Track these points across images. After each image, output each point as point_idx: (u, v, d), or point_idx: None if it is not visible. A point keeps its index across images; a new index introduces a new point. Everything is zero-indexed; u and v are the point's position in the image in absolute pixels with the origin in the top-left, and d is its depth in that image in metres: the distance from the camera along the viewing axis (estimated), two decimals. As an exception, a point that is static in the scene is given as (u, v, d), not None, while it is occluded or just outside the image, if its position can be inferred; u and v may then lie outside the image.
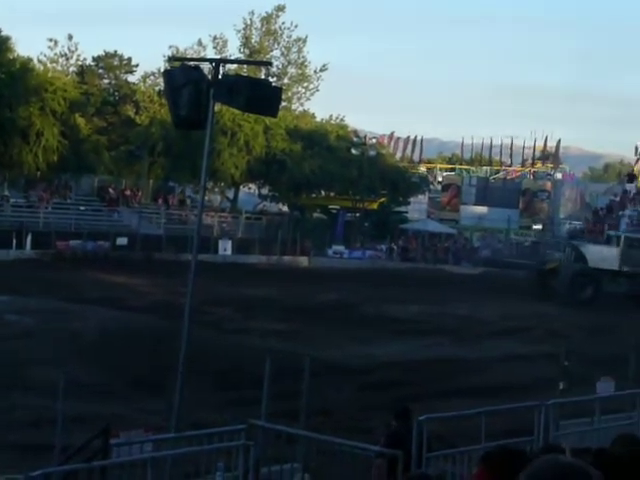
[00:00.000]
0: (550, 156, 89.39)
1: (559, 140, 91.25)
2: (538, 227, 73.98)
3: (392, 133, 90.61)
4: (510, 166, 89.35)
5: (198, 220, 14.91)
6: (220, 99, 12.75)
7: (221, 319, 33.09)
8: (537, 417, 13.65)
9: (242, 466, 10.86)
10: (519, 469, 2.70)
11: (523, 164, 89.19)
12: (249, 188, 74.02)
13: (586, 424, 15.57)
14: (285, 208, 72.59)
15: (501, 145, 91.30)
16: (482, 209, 75.71)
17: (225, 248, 56.40)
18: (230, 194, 69.37)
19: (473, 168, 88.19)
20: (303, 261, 57.92)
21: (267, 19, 66.91)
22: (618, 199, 68.97)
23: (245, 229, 62.52)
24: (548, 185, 78.71)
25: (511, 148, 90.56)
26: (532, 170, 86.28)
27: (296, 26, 67.35)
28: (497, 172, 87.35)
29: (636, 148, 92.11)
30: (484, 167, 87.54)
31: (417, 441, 11.09)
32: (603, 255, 48.90)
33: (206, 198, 56.04)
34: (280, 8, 67.09)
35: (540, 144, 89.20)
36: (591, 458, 4.02)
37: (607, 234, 52.63)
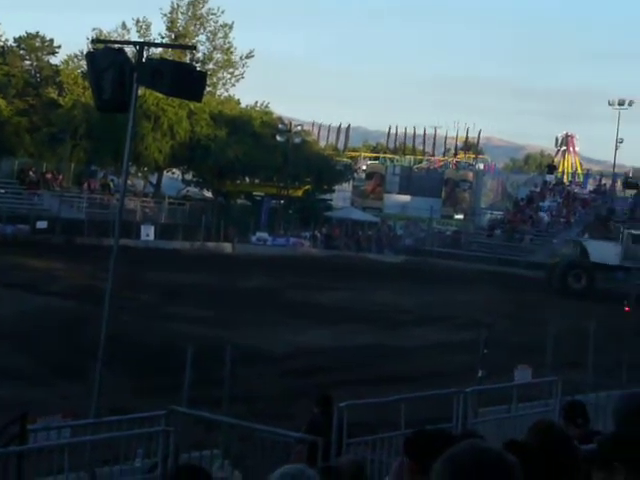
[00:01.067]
0: (472, 147, 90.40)
1: (480, 131, 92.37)
2: (460, 217, 74.72)
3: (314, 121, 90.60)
4: (433, 156, 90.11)
5: (120, 204, 14.74)
6: (144, 83, 12.61)
7: (143, 305, 32.84)
8: (456, 404, 13.80)
9: (162, 452, 10.79)
10: (442, 451, 2.72)
11: (446, 154, 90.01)
12: (173, 173, 73.51)
13: (504, 411, 15.79)
14: (209, 194, 72.26)
15: (425, 135, 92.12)
16: (405, 198, 76.23)
17: (148, 233, 55.92)
18: (153, 179, 68.82)
19: (397, 157, 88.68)
20: (227, 247, 57.73)
21: (194, 3, 66.37)
22: (538, 190, 70.02)
23: (168, 214, 62.08)
24: (470, 175, 79.52)
25: (434, 138, 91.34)
26: (454, 160, 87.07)
27: (223, 12, 66.97)
28: (420, 162, 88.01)
29: (556, 140, 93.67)
30: (408, 156, 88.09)
31: (337, 428, 11.13)
32: (604, 250, 49.85)
33: (129, 182, 55.70)
34: (206, -7, 66.65)
35: (463, 135, 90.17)
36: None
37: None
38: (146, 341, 25.39)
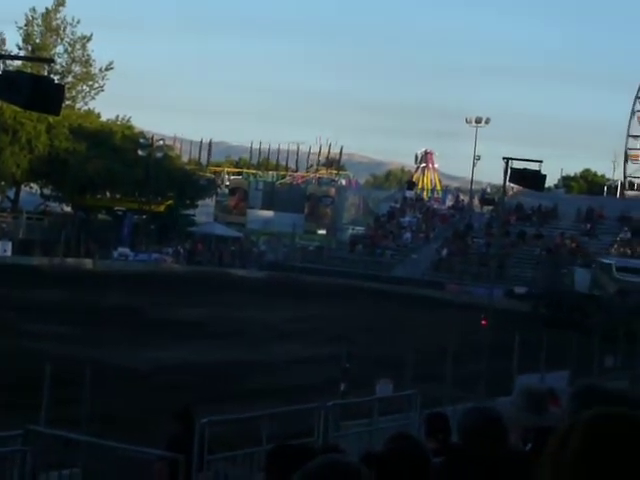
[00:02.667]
0: (334, 162, 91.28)
1: (342, 147, 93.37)
2: (322, 232, 75.30)
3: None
4: (296, 172, 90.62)
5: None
6: (0, 96, 12.34)
7: (0, 322, 31.98)
8: (317, 418, 13.89)
9: (18, 473, 10.54)
10: (302, 466, 2.75)
11: (308, 170, 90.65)
12: (31, 188, 71.89)
13: (365, 425, 15.97)
14: (69, 209, 70.93)
15: (288, 150, 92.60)
16: (268, 213, 76.46)
17: (5, 249, 54.59)
18: (11, 193, 67.14)
19: (260, 173, 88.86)
20: (87, 263, 56.76)
21: (48, 15, 65.06)
22: (399, 205, 71.18)
23: (26, 230, 60.67)
24: (332, 191, 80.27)
25: (297, 154, 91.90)
26: (317, 176, 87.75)
27: (78, 22, 65.79)
28: (283, 177, 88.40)
29: (416, 156, 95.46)
30: (271, 172, 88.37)
31: (199, 444, 11.07)
32: (582, 279, 50.08)
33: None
34: (60, 3, 65.35)
35: (325, 151, 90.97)
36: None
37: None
38: (2, 359, 24.74)
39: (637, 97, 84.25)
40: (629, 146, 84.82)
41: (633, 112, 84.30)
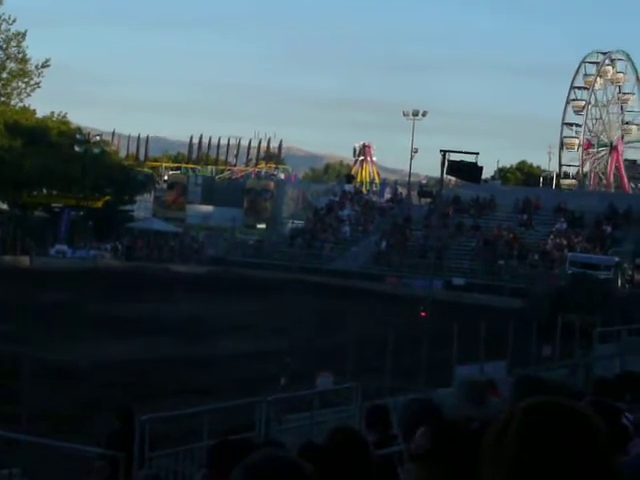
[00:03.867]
0: (273, 156, 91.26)
1: (281, 141, 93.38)
2: (262, 226, 75.24)
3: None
4: (235, 166, 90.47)
5: None
6: None
7: None
8: (258, 413, 13.92)
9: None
10: (241, 459, 2.77)
11: (247, 164, 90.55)
12: (-35, 185, 70.85)
13: (306, 418, 16.03)
14: (5, 206, 70.00)
15: (228, 145, 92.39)
16: (208, 208, 76.19)
17: (-61, 247, 53.74)
18: (-55, 191, 66.13)
19: (199, 167, 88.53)
20: (24, 261, 56.09)
21: (-19, 12, 64.12)
22: (337, 199, 71.34)
23: (-38, 228, 59.81)
24: (271, 185, 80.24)
25: (237, 148, 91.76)
26: (256, 170, 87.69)
27: (14, 20, 64.96)
28: (222, 172, 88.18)
29: (354, 150, 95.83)
30: (210, 167, 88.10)
31: (139, 441, 11.05)
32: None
33: None
34: (-2, 1, 64.53)
35: (264, 145, 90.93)
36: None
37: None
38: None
39: (572, 86, 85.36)
40: (564, 134, 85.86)
41: (568, 101, 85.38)
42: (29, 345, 26.93)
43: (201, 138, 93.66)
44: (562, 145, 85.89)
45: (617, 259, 52.48)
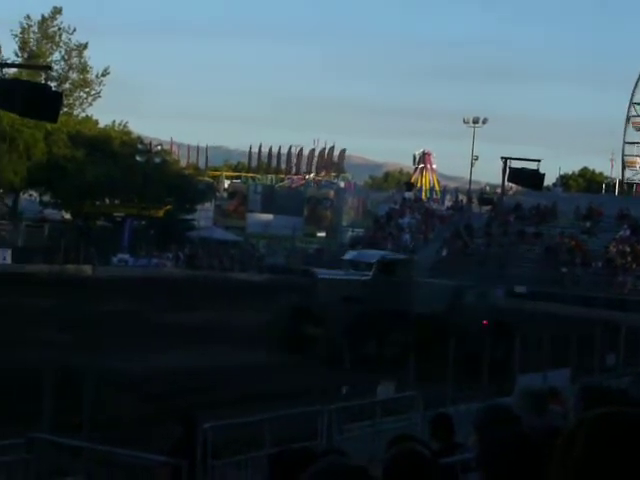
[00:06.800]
0: (333, 165, 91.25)
1: (343, 149, 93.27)
2: (322, 234, 75.26)
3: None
4: (295, 174, 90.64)
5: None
6: (-3, 103, 12.35)
7: (0, 330, 31.95)
8: (320, 422, 13.89)
9: (22, 481, 10.54)
10: (305, 469, 2.74)
11: (307, 172, 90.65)
12: (30, 195, 71.88)
13: (368, 427, 15.97)
14: (68, 216, 70.91)
15: (288, 153, 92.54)
16: (268, 217, 76.40)
17: (4, 257, 54.55)
18: (10, 201, 67.13)
19: (259, 176, 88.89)
20: (87, 270, 56.73)
21: (44, 22, 65.11)
22: (398, 207, 71.14)
23: (26, 237, 60.63)
24: (331, 193, 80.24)
25: (297, 157, 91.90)
26: (316, 178, 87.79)
27: (74, 30, 65.87)
28: (282, 180, 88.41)
29: (414, 157, 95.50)
30: (269, 175, 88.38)
31: (202, 449, 11.07)
32: None
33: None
34: (57, 11, 65.43)
35: (324, 153, 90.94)
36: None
37: None
38: (2, 368, 24.72)
39: (631, 103, 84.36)
40: (626, 152, 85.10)
41: (628, 119, 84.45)
42: (92, 354, 27.27)
43: (260, 147, 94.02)
44: (624, 165, 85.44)
45: None
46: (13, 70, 55.35)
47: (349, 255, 39.92)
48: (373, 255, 39.00)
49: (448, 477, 5.03)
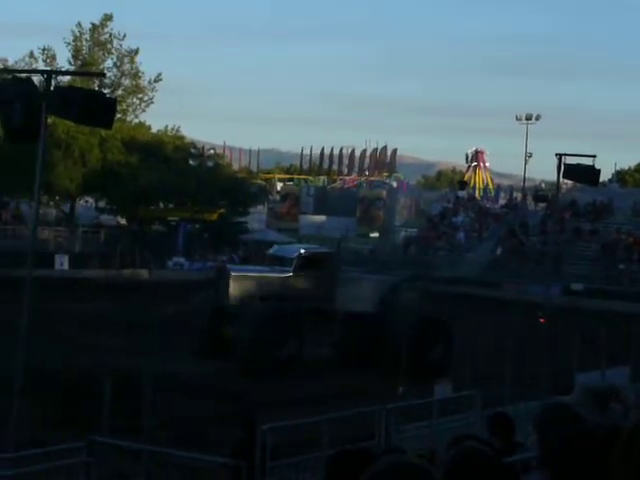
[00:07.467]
0: (385, 165, 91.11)
1: (395, 149, 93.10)
2: (375, 235, 75.14)
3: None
4: (347, 175, 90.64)
5: (32, 234, 14.57)
6: (53, 111, 12.50)
7: (59, 335, 32.32)
8: (378, 422, 13.87)
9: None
10: (364, 469, 2.75)
11: (359, 173, 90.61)
12: (86, 201, 72.63)
13: (425, 427, 15.92)
14: (123, 221, 71.57)
15: (340, 155, 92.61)
16: (320, 218, 76.46)
17: (62, 263, 55.15)
18: (66, 207, 67.93)
19: (311, 178, 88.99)
20: (143, 274, 57.20)
21: (95, 30, 65.75)
22: (451, 205, 70.85)
23: (83, 243, 61.30)
24: (384, 193, 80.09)
25: (349, 158, 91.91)
26: (368, 179, 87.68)
27: (124, 36, 66.47)
28: (334, 181, 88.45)
29: (467, 156, 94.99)
30: (321, 177, 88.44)
31: (261, 450, 11.11)
32: None
33: (41, 212, 54.92)
34: (107, 18, 66.06)
35: (376, 153, 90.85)
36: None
37: None
38: (62, 372, 25.00)
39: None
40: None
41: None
42: (150, 358, 27.47)
43: (312, 149, 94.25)
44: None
45: None
46: (67, 78, 55.95)
47: (272, 250, 37.00)
48: (294, 249, 35.74)
49: (509, 476, 5.00)
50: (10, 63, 60.79)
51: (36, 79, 13.10)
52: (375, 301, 31.89)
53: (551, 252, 43.99)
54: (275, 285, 32.15)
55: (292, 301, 31.05)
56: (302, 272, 32.42)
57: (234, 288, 32.12)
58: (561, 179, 26.06)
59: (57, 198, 65.64)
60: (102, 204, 69.65)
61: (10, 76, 13.57)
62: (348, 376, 26.69)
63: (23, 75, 13.52)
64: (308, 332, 30.49)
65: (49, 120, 12.86)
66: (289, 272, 32.54)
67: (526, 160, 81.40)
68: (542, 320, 28.63)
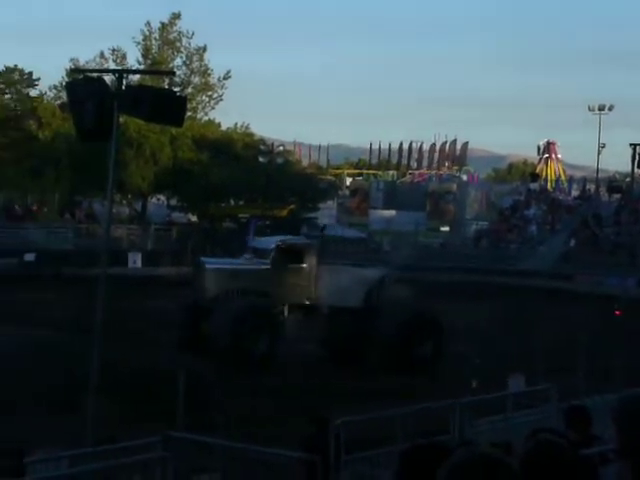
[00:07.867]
0: (455, 158, 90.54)
1: (465, 142, 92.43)
2: (446, 229, 74.71)
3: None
4: (416, 169, 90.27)
5: (106, 233, 14.76)
6: (124, 110, 12.63)
7: (133, 332, 32.69)
8: (452, 416, 13.80)
9: (160, 478, 10.75)
10: (439, 463, 2.72)
11: (429, 167, 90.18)
12: (158, 199, 73.40)
13: (500, 420, 15.80)
14: (194, 218, 72.17)
15: (410, 149, 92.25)
16: (390, 213, 76.19)
17: (135, 260, 55.77)
18: (139, 206, 68.71)
19: (380, 173, 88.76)
20: (215, 271, 57.50)
21: (164, 28, 66.29)
22: (522, 198, 70.18)
23: (155, 241, 61.92)
24: (454, 187, 79.56)
25: (418, 152, 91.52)
26: (438, 173, 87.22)
27: (193, 34, 66.93)
28: (404, 176, 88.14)
29: (538, 148, 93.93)
30: (391, 171, 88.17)
31: (335, 445, 11.12)
32: None
33: (114, 210, 55.59)
34: (176, 16, 66.58)
35: (445, 147, 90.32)
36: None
37: None
38: (136, 369, 25.28)
39: None
40: None
41: None
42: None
43: (380, 143, 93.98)
44: None
45: None
46: (137, 77, 56.52)
47: (251, 242, 35.89)
48: (273, 241, 33.87)
49: (586, 469, 4.92)
50: (81, 63, 61.65)
51: (107, 79, 13.25)
52: (359, 295, 30.58)
53: (625, 243, 43.38)
54: (251, 278, 31.06)
55: (268, 295, 30.18)
56: (280, 264, 31.25)
57: (209, 282, 31.19)
58: (636, 169, 25.70)
59: (129, 196, 66.43)
60: (173, 202, 70.29)
61: (81, 76, 13.75)
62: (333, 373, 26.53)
63: (94, 75, 13.69)
64: (283, 327, 29.73)
65: (120, 119, 13.00)
66: (267, 264, 31.42)
67: (599, 151, 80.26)
68: (618, 312, 28.27)
